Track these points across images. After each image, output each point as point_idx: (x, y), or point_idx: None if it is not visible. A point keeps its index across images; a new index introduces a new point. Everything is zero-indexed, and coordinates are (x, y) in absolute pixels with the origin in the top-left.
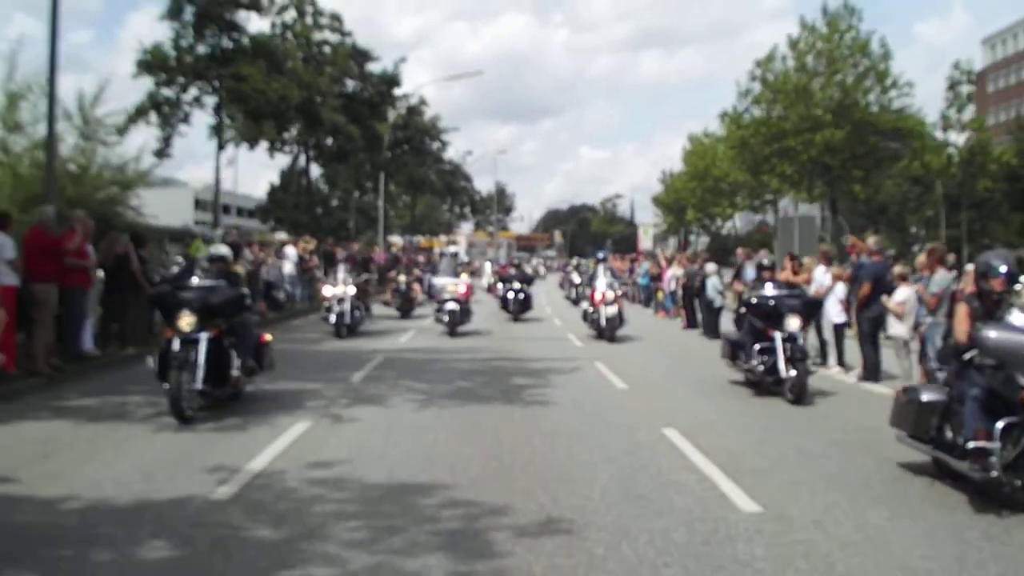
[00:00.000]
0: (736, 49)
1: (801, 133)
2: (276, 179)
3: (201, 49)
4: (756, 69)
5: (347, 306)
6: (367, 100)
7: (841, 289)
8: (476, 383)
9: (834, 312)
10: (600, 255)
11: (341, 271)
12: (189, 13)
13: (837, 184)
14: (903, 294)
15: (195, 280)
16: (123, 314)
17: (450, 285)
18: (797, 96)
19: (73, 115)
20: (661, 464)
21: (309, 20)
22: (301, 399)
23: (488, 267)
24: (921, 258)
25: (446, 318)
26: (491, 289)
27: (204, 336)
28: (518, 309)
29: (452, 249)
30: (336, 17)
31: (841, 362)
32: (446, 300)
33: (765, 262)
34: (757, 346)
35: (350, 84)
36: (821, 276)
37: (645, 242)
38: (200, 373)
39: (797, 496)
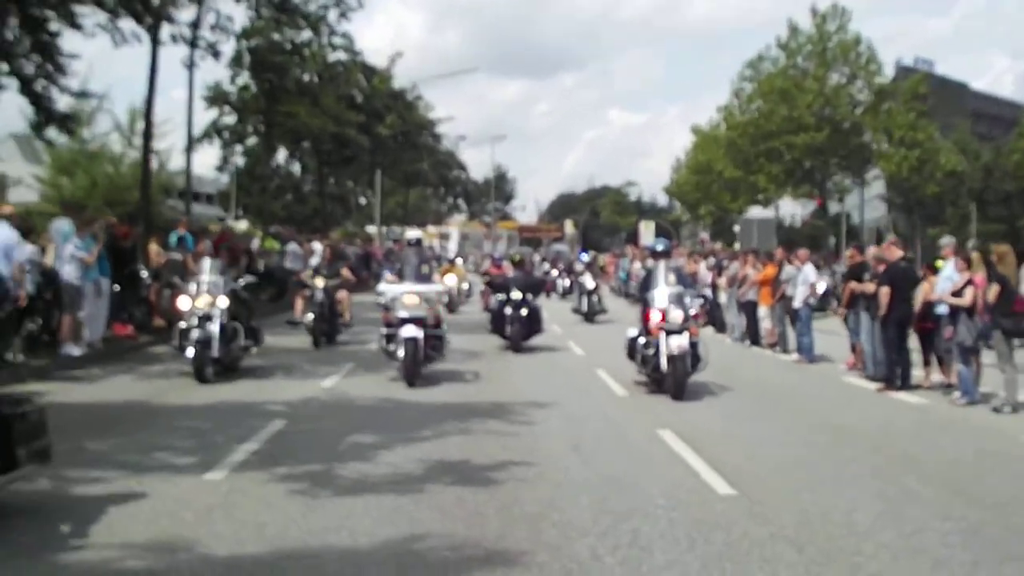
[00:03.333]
0: None
1: (784, 135)
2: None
3: (253, 86)
4: (747, 69)
5: (215, 327)
6: (375, 111)
7: (810, 273)
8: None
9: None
10: (659, 246)
11: (207, 270)
12: (247, 59)
13: (823, 185)
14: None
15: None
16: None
17: (409, 295)
18: (781, 98)
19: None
20: None
21: (325, 40)
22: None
23: (458, 261)
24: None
25: (400, 352)
26: (485, 297)
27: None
28: (520, 333)
29: (415, 234)
30: (347, 36)
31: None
32: (402, 321)
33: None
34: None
35: (358, 96)
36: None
37: (647, 237)
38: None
39: None
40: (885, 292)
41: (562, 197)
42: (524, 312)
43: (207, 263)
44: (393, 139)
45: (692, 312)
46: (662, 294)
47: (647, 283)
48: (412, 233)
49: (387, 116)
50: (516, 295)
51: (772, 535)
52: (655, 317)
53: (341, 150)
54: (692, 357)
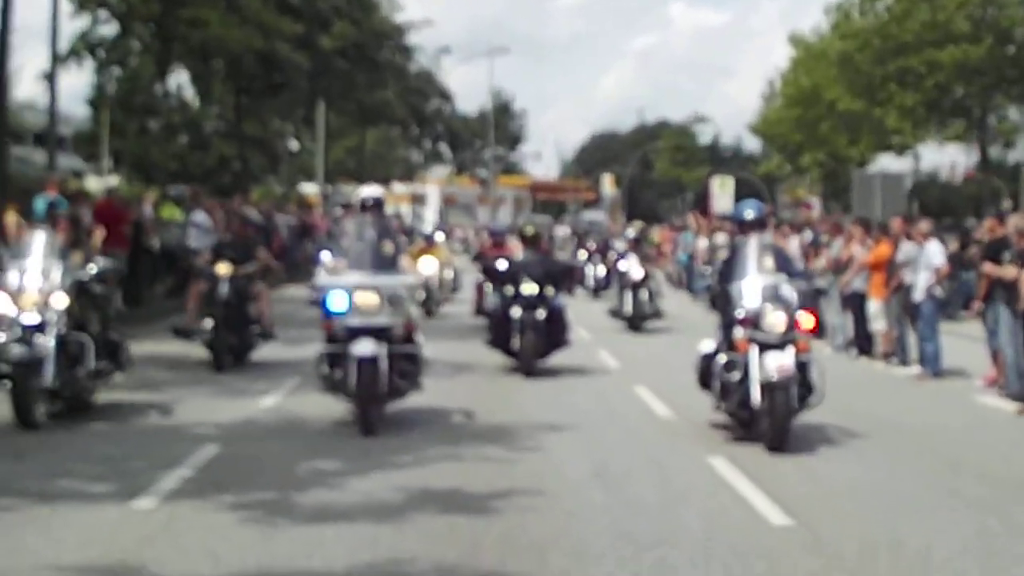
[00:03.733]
0: None
1: (925, 48)
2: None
3: None
4: None
5: (47, 343)
6: (319, 16)
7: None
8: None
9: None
10: (748, 213)
11: (36, 251)
12: None
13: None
14: None
15: None
16: None
17: (363, 292)
18: None
19: None
20: None
21: None
22: None
23: (438, 236)
24: None
25: (351, 381)
26: (478, 293)
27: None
28: (535, 347)
29: (372, 192)
30: None
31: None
32: (351, 333)
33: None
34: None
35: None
36: None
37: (721, 200)
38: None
39: None
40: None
41: (597, 139)
42: (541, 315)
43: (37, 239)
44: (342, 54)
45: (803, 316)
46: (753, 287)
47: (729, 270)
48: (368, 191)
49: (336, 23)
50: (529, 288)
51: (825, 566)
52: (740, 334)
53: (268, 74)
54: (800, 385)
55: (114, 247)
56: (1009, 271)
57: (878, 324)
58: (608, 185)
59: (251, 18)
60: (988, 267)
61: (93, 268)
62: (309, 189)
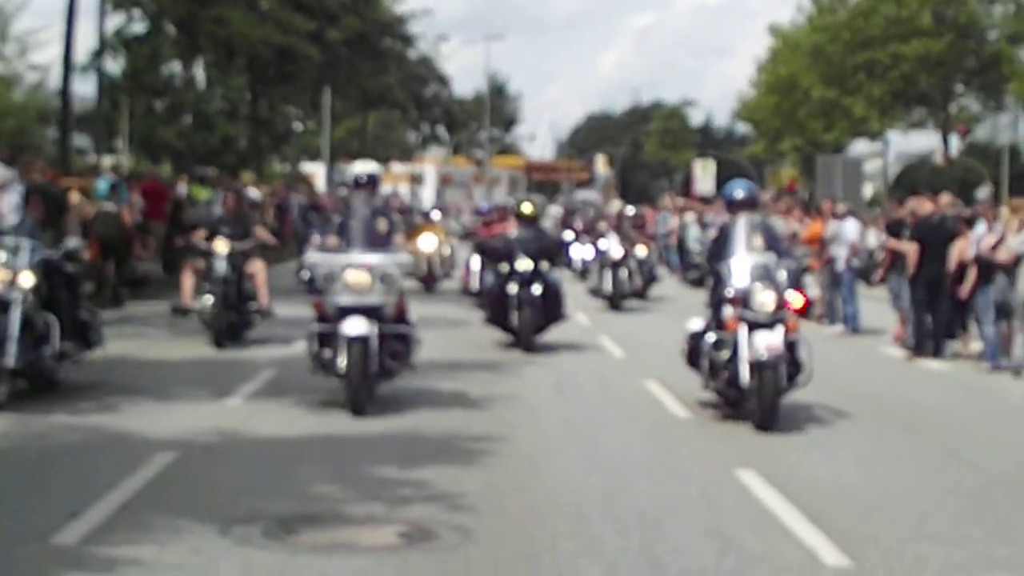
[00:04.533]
0: None
1: (890, 41)
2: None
3: None
4: None
5: (12, 320)
6: (327, 12)
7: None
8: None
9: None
10: (738, 193)
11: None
12: None
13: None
14: None
15: None
16: None
17: (355, 270)
18: None
19: None
20: None
21: None
22: None
23: (435, 214)
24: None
25: (341, 361)
26: (466, 273)
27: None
28: (532, 322)
29: (366, 169)
30: None
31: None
32: (343, 312)
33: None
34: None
35: None
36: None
37: (704, 182)
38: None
39: None
40: (910, 249)
41: (592, 120)
42: (537, 290)
43: (8, 211)
44: (347, 44)
45: (792, 296)
46: (743, 266)
47: (718, 249)
48: (362, 168)
49: (344, 18)
50: (524, 265)
51: None
52: (728, 312)
53: (282, 65)
54: (788, 364)
55: (156, 220)
56: (904, 245)
57: (813, 291)
58: (601, 165)
59: (269, 16)
60: (890, 242)
61: (67, 245)
62: (310, 168)
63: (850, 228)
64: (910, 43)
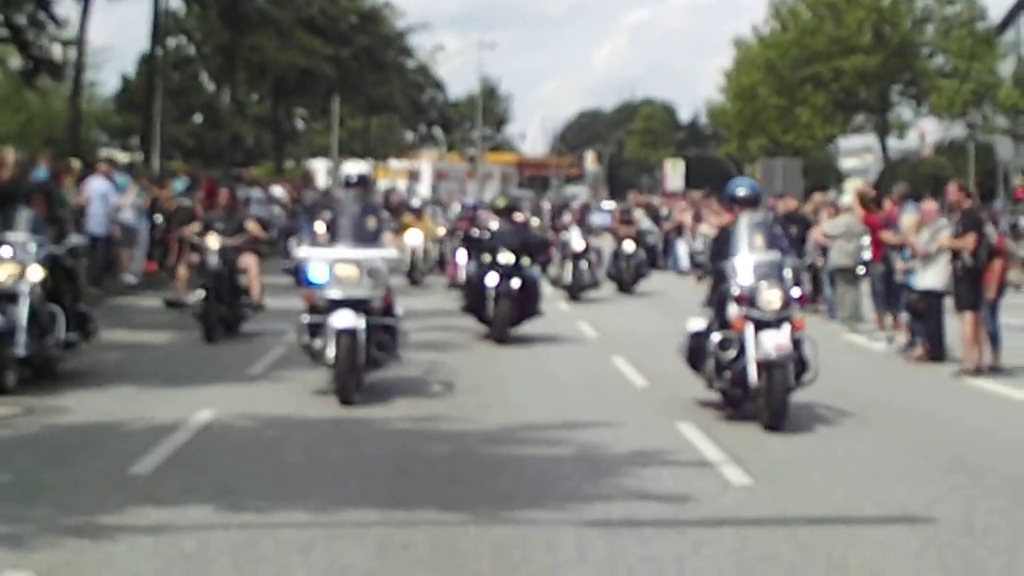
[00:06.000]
0: None
1: (832, 58)
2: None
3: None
4: None
5: (21, 311)
6: (340, 35)
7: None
8: None
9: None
10: (740, 190)
11: (19, 225)
12: None
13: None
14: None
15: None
16: None
17: (343, 264)
18: (829, 12)
19: None
20: None
21: None
22: None
23: (428, 211)
24: None
25: (330, 352)
26: (451, 268)
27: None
28: (507, 315)
29: (356, 169)
30: None
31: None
32: (333, 304)
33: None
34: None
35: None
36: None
37: (674, 180)
38: None
39: None
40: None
41: (584, 117)
42: (515, 284)
43: (21, 214)
44: (355, 59)
45: (795, 293)
46: (746, 264)
47: (721, 246)
48: (353, 168)
49: (355, 38)
50: (505, 258)
51: None
52: (736, 301)
53: (303, 82)
54: (795, 362)
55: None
56: (815, 232)
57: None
58: (591, 162)
59: (295, 43)
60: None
61: (70, 242)
62: (314, 165)
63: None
64: (849, 59)
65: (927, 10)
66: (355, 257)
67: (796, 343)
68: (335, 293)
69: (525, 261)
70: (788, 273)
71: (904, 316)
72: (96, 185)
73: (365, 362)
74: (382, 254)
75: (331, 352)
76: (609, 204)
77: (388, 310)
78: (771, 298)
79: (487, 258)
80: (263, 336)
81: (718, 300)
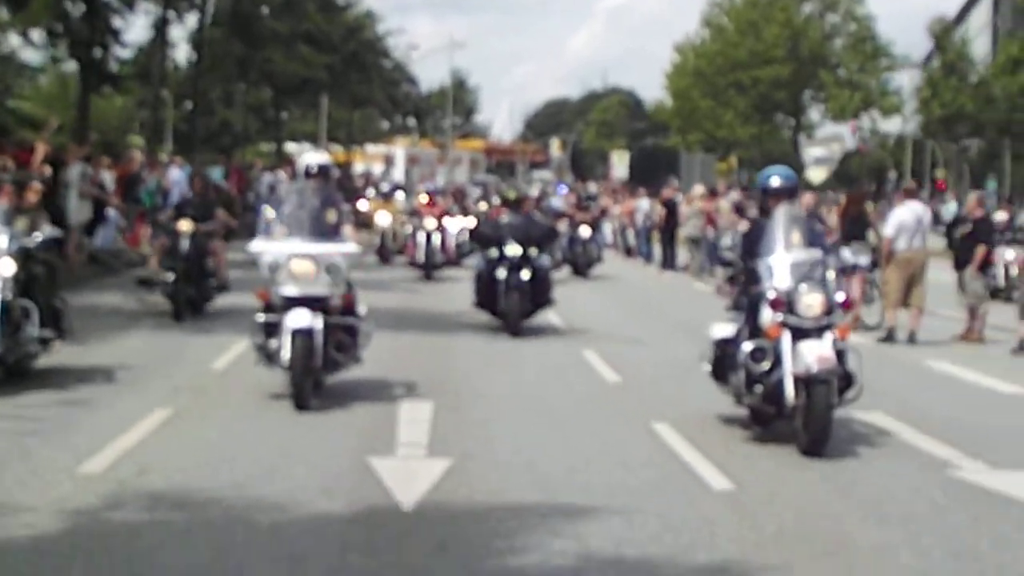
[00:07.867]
0: None
1: (751, 68)
2: None
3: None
4: None
5: None
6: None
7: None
8: None
9: None
10: (774, 180)
11: None
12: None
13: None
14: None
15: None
16: None
17: (300, 260)
18: (749, 27)
19: None
20: None
21: None
22: None
23: (398, 195)
24: None
25: (285, 353)
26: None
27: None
28: (520, 307)
29: (315, 159)
30: None
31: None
32: (288, 302)
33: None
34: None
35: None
36: None
37: (619, 170)
38: None
39: None
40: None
41: (551, 106)
42: (525, 276)
43: None
44: (343, 63)
45: (839, 297)
46: (783, 263)
47: (753, 243)
48: (312, 158)
49: (343, 46)
50: (513, 250)
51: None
52: (772, 305)
53: (300, 86)
54: (839, 377)
55: (241, 195)
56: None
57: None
58: (556, 148)
59: (298, 55)
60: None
61: (39, 235)
62: (293, 149)
63: (643, 205)
64: (765, 69)
65: (835, 27)
66: (312, 252)
67: (839, 354)
68: (290, 290)
69: (533, 252)
70: (831, 275)
71: None
72: (175, 174)
73: (323, 364)
74: (342, 249)
75: (286, 354)
76: (565, 188)
77: (349, 309)
78: (811, 303)
79: (494, 252)
80: (231, 316)
81: (748, 304)
